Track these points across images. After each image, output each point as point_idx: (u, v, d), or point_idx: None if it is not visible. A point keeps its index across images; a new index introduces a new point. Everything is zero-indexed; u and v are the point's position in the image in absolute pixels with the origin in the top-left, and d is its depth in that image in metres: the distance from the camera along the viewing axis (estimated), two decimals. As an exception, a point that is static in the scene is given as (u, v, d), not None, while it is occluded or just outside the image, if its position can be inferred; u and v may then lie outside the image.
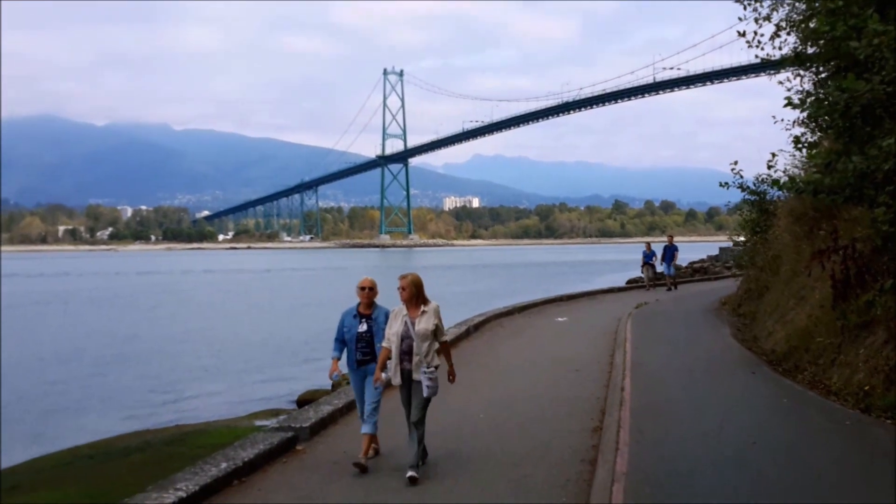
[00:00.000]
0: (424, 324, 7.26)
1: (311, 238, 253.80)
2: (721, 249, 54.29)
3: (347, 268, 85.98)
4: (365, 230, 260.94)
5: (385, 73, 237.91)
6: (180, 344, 28.60)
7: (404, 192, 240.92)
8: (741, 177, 19.71)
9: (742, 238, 22.93)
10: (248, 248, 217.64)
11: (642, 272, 30.01)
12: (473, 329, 17.76)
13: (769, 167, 18.47)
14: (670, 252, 28.35)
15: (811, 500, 5.97)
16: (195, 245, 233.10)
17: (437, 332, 7.34)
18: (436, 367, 7.26)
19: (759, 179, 19.44)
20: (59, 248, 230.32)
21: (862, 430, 7.83)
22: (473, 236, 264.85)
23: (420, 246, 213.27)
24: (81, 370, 23.28)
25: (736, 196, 20.58)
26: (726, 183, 19.97)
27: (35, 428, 16.54)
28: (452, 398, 10.65)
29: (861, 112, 10.24)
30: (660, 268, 29.41)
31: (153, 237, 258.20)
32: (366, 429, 7.75)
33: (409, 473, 7.09)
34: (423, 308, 7.35)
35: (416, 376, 7.21)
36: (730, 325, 16.71)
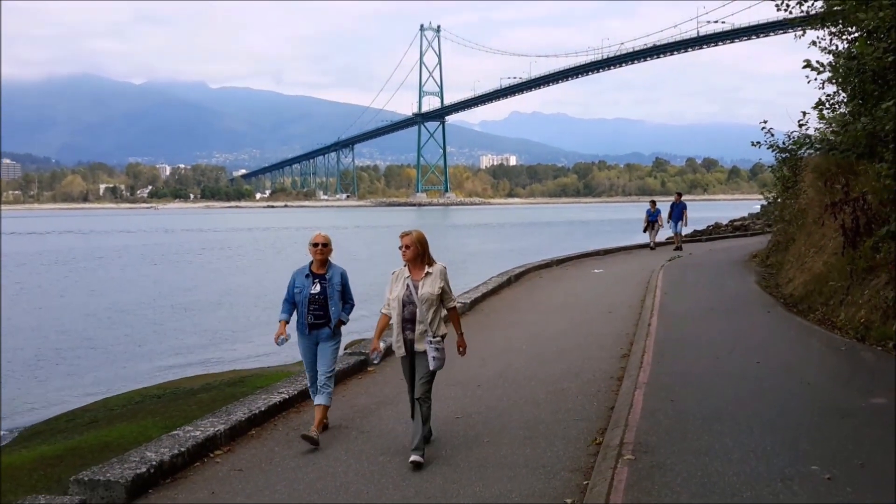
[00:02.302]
0: (429, 287, 6.50)
1: (348, 196, 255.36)
2: (762, 207, 54.85)
3: (391, 226, 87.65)
4: (401, 189, 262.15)
5: (422, 28, 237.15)
6: (234, 297, 30.16)
7: (441, 151, 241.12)
8: (772, 135, 20.69)
9: (773, 195, 23.77)
10: (286, 206, 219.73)
11: (645, 231, 28.15)
12: (514, 279, 19.11)
13: (800, 125, 19.53)
14: (678, 210, 26.66)
15: (798, 401, 7.29)
16: (233, 203, 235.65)
17: (443, 296, 6.60)
18: (442, 337, 6.55)
19: (790, 137, 20.40)
20: (100, 205, 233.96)
21: (854, 353, 9.10)
22: (510, 195, 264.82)
23: (456, 204, 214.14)
24: (143, 320, 24.70)
25: (766, 155, 21.48)
26: (758, 142, 21.03)
27: (103, 372, 17.52)
28: (497, 334, 12.17)
29: (871, 76, 11.33)
30: (667, 227, 27.70)
31: (192, 195, 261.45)
32: (320, 399, 7.15)
33: (413, 458, 6.32)
34: (427, 269, 6.58)
35: (419, 347, 6.50)
36: (756, 274, 17.88)
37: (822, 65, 13.07)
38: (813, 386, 7.84)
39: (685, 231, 28.72)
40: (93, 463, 7.09)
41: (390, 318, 6.69)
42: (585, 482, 5.86)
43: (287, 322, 7.27)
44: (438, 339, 6.50)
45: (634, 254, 27.05)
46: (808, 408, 7.12)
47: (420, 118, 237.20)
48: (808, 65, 13.24)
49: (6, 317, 24.60)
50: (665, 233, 28.74)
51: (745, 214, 54.10)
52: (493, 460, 6.47)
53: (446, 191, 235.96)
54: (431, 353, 6.44)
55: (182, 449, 6.54)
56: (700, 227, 41.95)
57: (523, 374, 9.43)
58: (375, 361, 7.03)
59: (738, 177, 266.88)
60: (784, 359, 9.15)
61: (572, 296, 16.58)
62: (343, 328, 7.43)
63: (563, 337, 11.84)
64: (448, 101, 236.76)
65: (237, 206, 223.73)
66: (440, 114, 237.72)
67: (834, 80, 13.63)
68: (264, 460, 6.66)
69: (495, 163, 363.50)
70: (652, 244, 27.69)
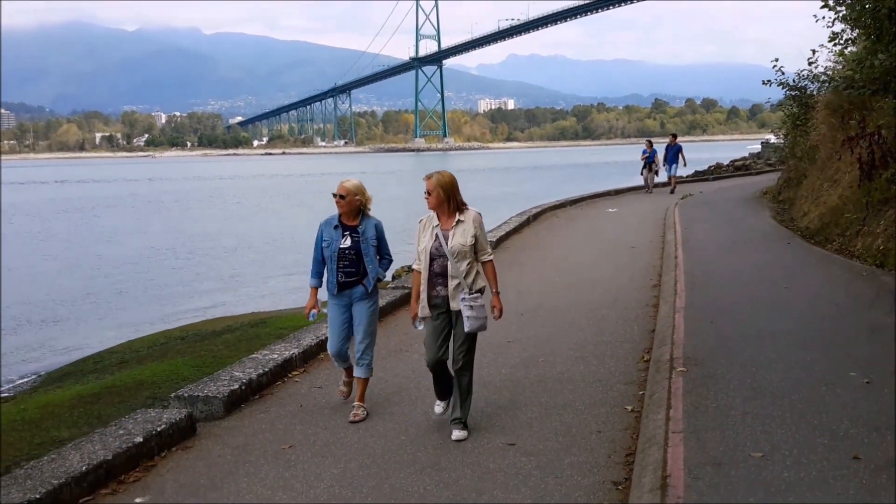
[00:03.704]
0: (460, 237, 5.62)
1: (346, 143, 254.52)
2: (763, 146, 55.06)
3: (392, 172, 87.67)
4: (399, 134, 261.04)
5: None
6: (247, 242, 30.55)
7: (438, 95, 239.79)
8: (782, 73, 20.98)
9: (783, 133, 24.09)
10: (283, 153, 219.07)
11: (642, 174, 27.43)
12: (532, 218, 19.62)
13: (810, 63, 19.82)
14: (673, 151, 26.11)
15: (828, 320, 7.86)
16: (230, 151, 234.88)
17: (476, 246, 5.70)
18: (480, 292, 5.68)
19: (801, 76, 20.72)
20: (97, 154, 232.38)
21: (875, 278, 9.66)
22: (509, 139, 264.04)
23: (455, 149, 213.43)
24: (159, 266, 25.05)
25: (777, 93, 21.80)
26: (769, 80, 21.30)
27: (125, 316, 17.85)
28: (527, 269, 12.72)
29: (888, 13, 11.70)
30: (663, 170, 26.97)
31: (188, 144, 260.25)
32: (359, 373, 6.37)
33: (455, 435, 5.67)
34: (457, 217, 5.68)
35: (454, 305, 5.63)
36: (770, 210, 18.40)
37: (838, 2, 13.50)
38: (841, 307, 8.40)
39: (683, 172, 28.21)
40: (130, 400, 7.58)
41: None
42: (641, 392, 6.44)
43: (319, 287, 6.43)
44: (476, 294, 5.59)
45: (644, 194, 27.45)
46: (839, 326, 7.68)
47: (417, 62, 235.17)
48: (825, 4, 13.67)
49: (26, 265, 25.12)
50: (664, 175, 28.05)
51: (746, 154, 54.36)
52: (551, 376, 7.04)
53: (445, 136, 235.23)
54: (465, 312, 5.53)
55: (265, 370, 7.10)
56: (701, 168, 42.27)
57: (562, 304, 9.99)
58: (419, 328, 5.89)
59: (737, 117, 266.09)
60: (810, 285, 9.72)
61: (593, 233, 17.12)
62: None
63: (593, 270, 12.39)
64: (445, 44, 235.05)
65: (235, 154, 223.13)
66: (437, 58, 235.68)
67: (849, 19, 13.96)
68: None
69: (493, 107, 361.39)
70: (649, 187, 27.18)
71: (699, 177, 36.28)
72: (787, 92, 21.11)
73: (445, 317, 5.71)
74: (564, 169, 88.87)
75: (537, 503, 4.63)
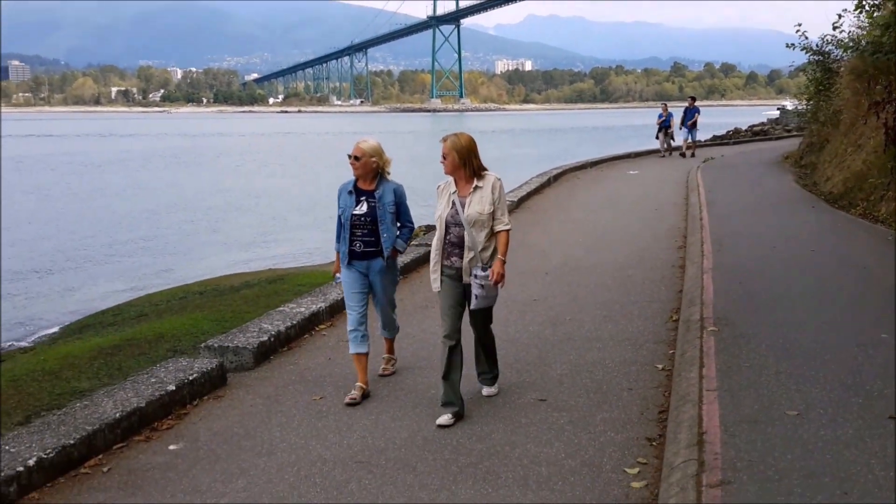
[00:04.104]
0: (477, 205, 5.19)
1: (362, 102, 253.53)
2: (781, 112, 54.46)
3: (408, 132, 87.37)
4: (415, 94, 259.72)
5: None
6: (264, 199, 30.51)
7: (455, 55, 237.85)
8: (806, 38, 20.65)
9: (805, 98, 23.73)
10: (299, 111, 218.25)
11: (657, 138, 26.79)
12: (553, 179, 19.50)
13: (834, 28, 19.53)
14: (690, 114, 25.48)
15: (856, 283, 7.81)
16: (246, 108, 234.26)
17: (495, 214, 5.26)
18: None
19: (825, 40, 20.39)
20: (112, 109, 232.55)
21: (902, 242, 9.59)
22: (526, 100, 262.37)
23: (471, 110, 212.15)
24: (176, 221, 24.97)
25: (798, 58, 21.47)
26: (792, 44, 20.98)
27: (143, 270, 17.76)
28: (550, 228, 12.67)
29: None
30: (679, 133, 26.33)
31: (204, 100, 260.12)
32: (386, 334, 6.28)
33: (487, 390, 5.67)
34: (475, 183, 5.25)
35: (467, 279, 5.26)
36: (792, 174, 18.25)
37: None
38: (868, 270, 8.33)
39: (697, 137, 27.53)
40: (150, 352, 7.55)
41: None
42: (671, 351, 6.42)
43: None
44: (486, 273, 5.20)
45: (659, 158, 27.02)
46: (868, 288, 7.63)
47: (435, 21, 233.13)
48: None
49: (44, 218, 25.23)
50: (680, 139, 27.18)
51: (764, 120, 53.78)
52: (579, 334, 7.03)
53: (461, 96, 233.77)
54: (475, 290, 5.20)
55: (293, 322, 7.13)
56: (719, 133, 41.83)
57: (587, 263, 9.95)
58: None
59: (755, 82, 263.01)
60: (836, 248, 9.65)
61: (615, 194, 17.00)
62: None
63: (616, 230, 12.33)
64: (463, 3, 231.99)
65: (250, 111, 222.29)
66: (455, 17, 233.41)
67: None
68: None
69: (510, 68, 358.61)
70: (663, 151, 26.48)
71: (717, 141, 35.94)
72: (811, 57, 20.83)
73: (460, 288, 5.30)
74: (582, 132, 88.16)
75: (571, 457, 4.64)
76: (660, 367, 6.12)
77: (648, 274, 9.26)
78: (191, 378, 5.67)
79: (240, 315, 8.90)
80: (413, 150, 51.60)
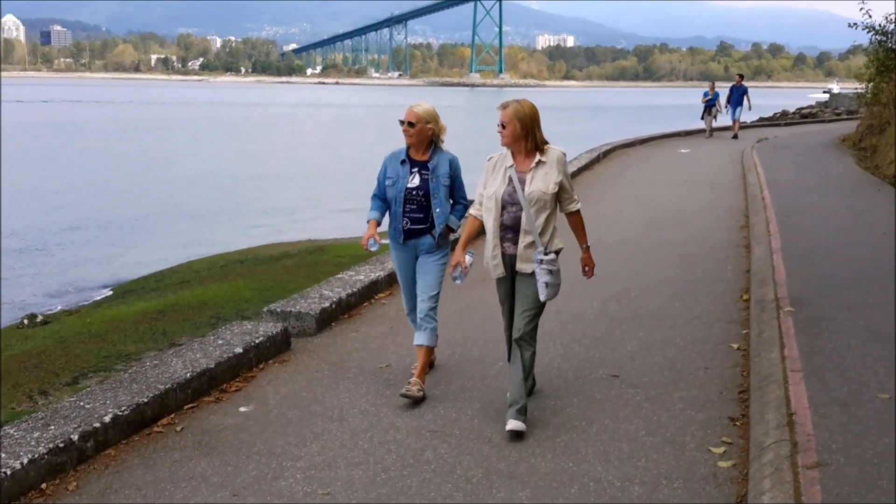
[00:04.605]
0: (541, 182, 4.53)
1: (400, 75, 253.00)
2: (831, 95, 53.27)
3: (446, 106, 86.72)
4: (454, 68, 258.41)
5: None
6: (304, 169, 30.40)
7: (496, 29, 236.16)
8: (869, 16, 20.00)
9: (866, 79, 22.91)
10: (337, 83, 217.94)
11: (702, 118, 25.45)
12: (602, 156, 19.19)
13: (900, 6, 18.88)
14: (738, 93, 24.29)
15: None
16: (284, 79, 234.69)
17: (560, 195, 4.62)
18: (557, 254, 4.63)
19: (889, 19, 19.73)
20: (152, 76, 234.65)
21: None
22: (566, 77, 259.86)
23: (511, 86, 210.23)
24: (217, 190, 24.89)
25: (847, 42, 20.78)
26: (854, 24, 20.36)
27: (185, 238, 17.60)
28: (602, 205, 12.46)
29: None
30: (725, 113, 25.08)
31: (243, 69, 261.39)
32: (421, 339, 5.17)
33: (511, 424, 4.51)
34: (538, 157, 4.57)
35: (523, 267, 4.60)
36: (851, 156, 17.76)
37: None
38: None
39: (746, 118, 26.36)
40: (194, 318, 7.59)
41: (482, 222, 4.77)
42: (744, 331, 6.23)
43: (378, 222, 5.28)
44: (552, 256, 4.55)
45: (715, 136, 26.39)
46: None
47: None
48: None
49: (86, 182, 25.40)
50: (725, 120, 25.99)
51: (813, 103, 52.66)
52: (646, 311, 6.85)
53: (501, 71, 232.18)
54: (543, 278, 4.52)
55: (353, 290, 7.03)
56: (766, 115, 40.95)
57: (646, 241, 9.74)
58: (458, 281, 4.85)
59: (804, 64, 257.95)
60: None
61: (667, 172, 16.68)
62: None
63: (673, 209, 12.06)
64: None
65: (288, 82, 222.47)
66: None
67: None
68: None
69: (552, 43, 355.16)
70: (708, 132, 25.41)
71: (765, 122, 35.13)
72: (874, 37, 20.19)
73: (510, 278, 4.72)
74: (626, 110, 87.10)
75: (651, 434, 4.50)
76: (735, 346, 5.93)
77: (711, 253, 9.03)
78: (257, 342, 5.60)
79: (281, 284, 8.99)
80: (451, 125, 50.97)
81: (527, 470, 4.14)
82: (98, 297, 12.02)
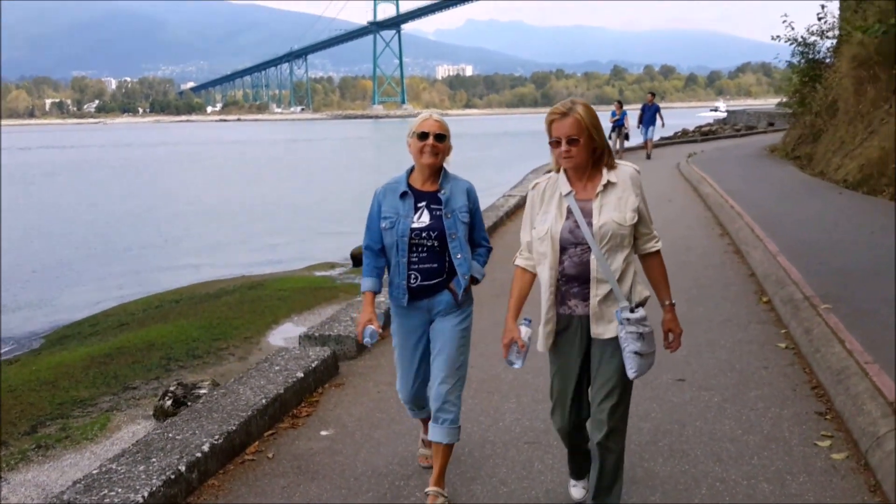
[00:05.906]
0: (614, 210, 3.20)
1: (302, 109, 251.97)
2: (729, 113, 55.46)
3: (352, 138, 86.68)
4: (357, 101, 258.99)
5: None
6: (225, 207, 29.44)
7: (396, 61, 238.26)
8: (792, 28, 20.99)
9: (790, 91, 23.58)
10: (238, 119, 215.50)
11: (610, 138, 22.16)
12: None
13: (819, 18, 20.01)
14: (651, 112, 23.56)
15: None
16: (184, 117, 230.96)
17: (638, 226, 3.26)
18: (642, 306, 3.32)
19: (810, 31, 20.78)
20: (47, 121, 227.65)
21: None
22: (467, 105, 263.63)
23: (414, 116, 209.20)
24: (137, 231, 23.89)
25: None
26: (777, 36, 21.40)
27: (110, 278, 16.94)
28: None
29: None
30: (636, 133, 24.44)
31: (140, 110, 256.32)
32: (439, 435, 3.73)
33: None
34: (605, 177, 3.22)
35: (601, 331, 3.26)
36: (789, 165, 18.41)
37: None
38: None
39: (658, 136, 26.01)
40: (144, 360, 7.39)
41: (534, 274, 3.43)
42: (782, 331, 6.31)
43: (377, 291, 3.83)
44: (641, 314, 3.24)
45: (634, 155, 25.19)
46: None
47: (375, 27, 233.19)
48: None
49: (12, 227, 24.19)
50: (636, 139, 25.63)
51: (711, 120, 54.78)
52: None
53: (403, 102, 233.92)
54: (631, 346, 3.19)
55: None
56: (667, 134, 41.86)
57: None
58: (516, 365, 3.49)
59: (695, 84, 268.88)
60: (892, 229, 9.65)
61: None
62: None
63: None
64: (404, 8, 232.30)
65: (188, 121, 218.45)
66: (396, 22, 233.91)
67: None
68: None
69: (451, 73, 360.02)
70: (619, 153, 23.06)
71: (667, 141, 34.57)
72: (796, 48, 21.21)
73: (580, 350, 3.33)
74: (531, 135, 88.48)
75: (749, 433, 4.49)
76: (782, 345, 6.00)
77: (704, 259, 9.19)
78: (313, 366, 5.38)
79: (228, 321, 8.85)
80: (362, 157, 51.05)
81: (644, 473, 4.07)
82: (34, 345, 11.27)
